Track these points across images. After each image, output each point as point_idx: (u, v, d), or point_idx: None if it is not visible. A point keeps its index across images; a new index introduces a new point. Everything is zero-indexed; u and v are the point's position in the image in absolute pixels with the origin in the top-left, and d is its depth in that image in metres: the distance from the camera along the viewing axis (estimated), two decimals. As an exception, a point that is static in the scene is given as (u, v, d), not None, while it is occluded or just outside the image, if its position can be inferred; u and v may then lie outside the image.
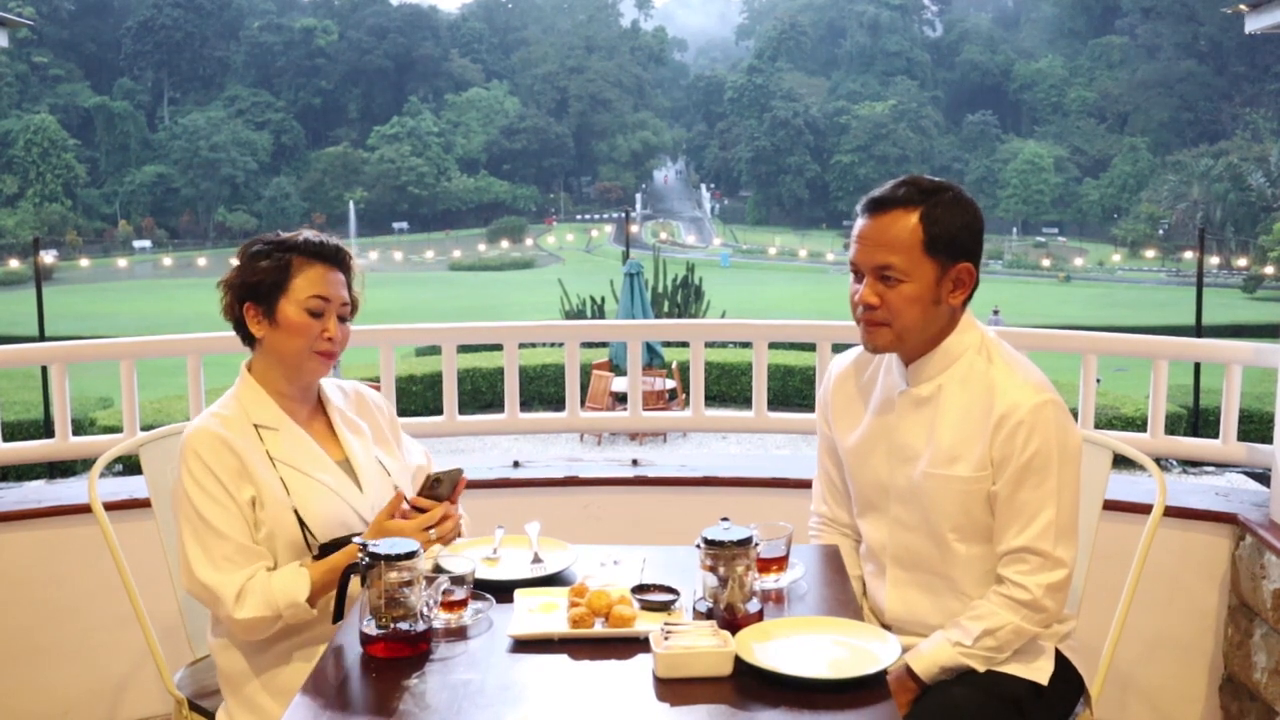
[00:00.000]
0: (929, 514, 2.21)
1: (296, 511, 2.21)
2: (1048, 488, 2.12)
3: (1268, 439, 3.41)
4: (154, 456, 2.71)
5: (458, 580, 1.97)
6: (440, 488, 2.22)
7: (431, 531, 2.18)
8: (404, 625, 1.87)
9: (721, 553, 1.93)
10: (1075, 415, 3.60)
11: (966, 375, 2.19)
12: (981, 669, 2.15)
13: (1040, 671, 2.21)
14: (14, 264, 44.95)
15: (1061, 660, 2.27)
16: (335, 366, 2.39)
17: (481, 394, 15.87)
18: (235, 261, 2.34)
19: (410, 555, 1.88)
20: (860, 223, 2.19)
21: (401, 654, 1.86)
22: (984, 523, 2.19)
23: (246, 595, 2.13)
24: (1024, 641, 2.18)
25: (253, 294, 2.29)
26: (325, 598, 2.14)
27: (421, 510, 2.21)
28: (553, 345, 15.53)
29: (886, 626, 2.34)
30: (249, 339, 2.34)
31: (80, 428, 10.92)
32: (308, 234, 2.35)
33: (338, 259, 2.33)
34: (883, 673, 1.77)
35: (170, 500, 2.71)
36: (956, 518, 2.19)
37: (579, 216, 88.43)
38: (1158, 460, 2.85)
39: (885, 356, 2.32)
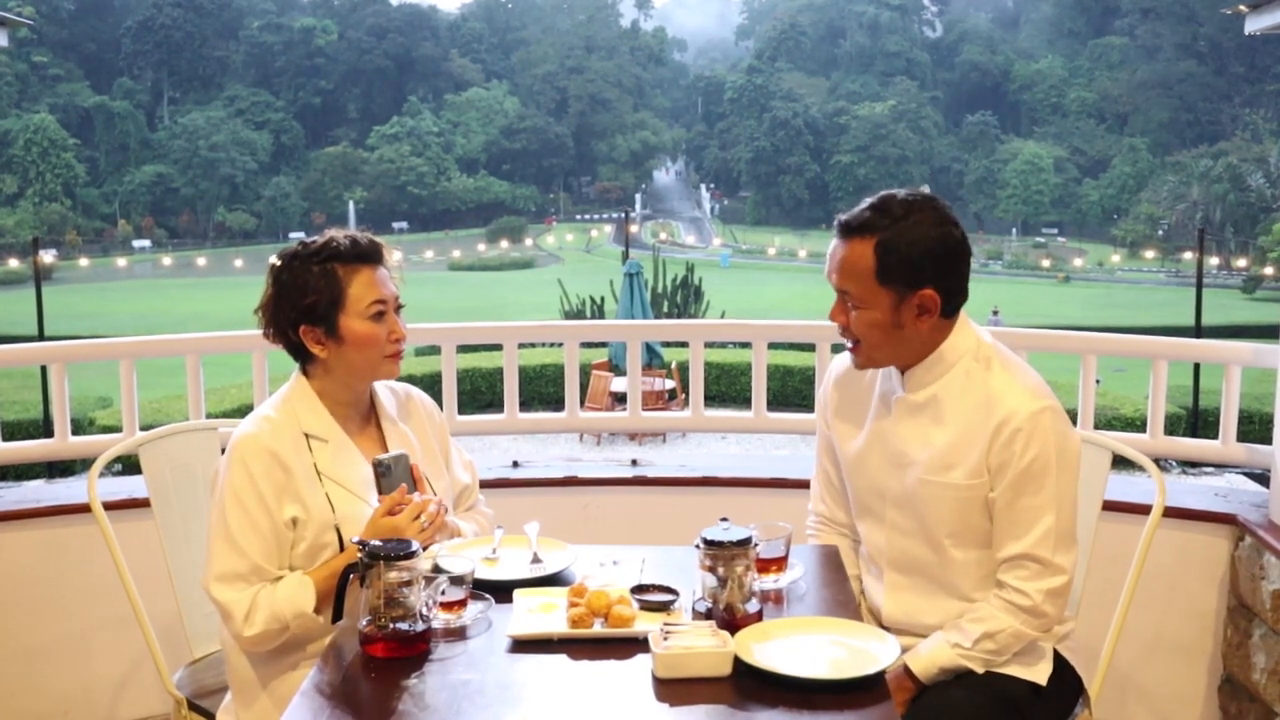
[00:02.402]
0: (925, 520, 2.21)
1: (338, 529, 2.21)
2: (1047, 494, 2.11)
3: (1267, 440, 3.42)
4: (153, 456, 2.71)
5: (457, 580, 1.97)
6: (393, 476, 2.20)
7: (422, 518, 2.17)
8: (403, 625, 1.87)
9: (721, 553, 1.93)
10: (1074, 416, 3.61)
11: (964, 382, 2.18)
12: (980, 670, 2.15)
13: (1039, 672, 2.21)
14: (13, 263, 44.91)
15: (1060, 661, 2.27)
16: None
17: (481, 394, 15.86)
18: (268, 284, 2.27)
19: (409, 555, 1.88)
20: (831, 242, 2.21)
21: (400, 654, 1.85)
22: (981, 528, 2.18)
23: (255, 611, 2.12)
24: (1023, 645, 2.18)
25: (308, 316, 2.22)
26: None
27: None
28: (552, 345, 15.53)
29: (884, 629, 2.34)
30: (304, 356, 2.28)
31: (79, 427, 10.92)
32: (338, 236, 2.27)
33: (379, 255, 2.29)
34: (881, 673, 1.78)
35: (169, 500, 2.71)
36: (953, 524, 2.19)
37: (578, 216, 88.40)
38: (1157, 461, 2.85)
39: None
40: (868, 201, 2.17)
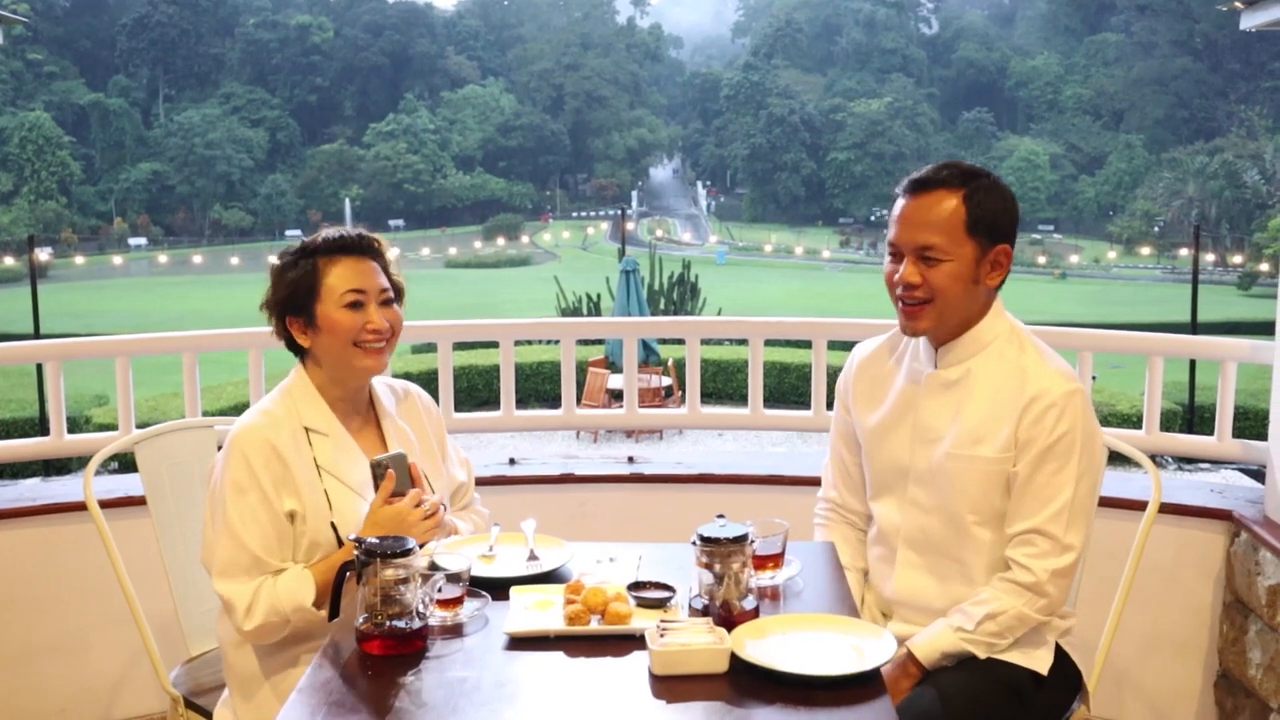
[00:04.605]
0: (948, 496, 2.23)
1: (334, 525, 2.21)
2: (1068, 473, 2.14)
3: (1263, 436, 3.42)
4: (149, 454, 2.71)
5: (453, 578, 1.97)
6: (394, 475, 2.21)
7: (425, 506, 2.19)
8: (400, 623, 1.87)
9: (717, 550, 1.93)
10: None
11: (997, 360, 2.22)
12: (982, 655, 2.17)
13: (1040, 661, 2.22)
14: (9, 261, 44.67)
15: (1061, 655, 2.29)
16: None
17: (478, 391, 15.86)
18: (268, 281, 2.31)
19: (406, 553, 1.88)
20: (901, 203, 2.22)
21: (397, 651, 1.86)
22: (1002, 507, 2.21)
23: (255, 605, 2.12)
24: (1026, 629, 2.19)
25: (290, 307, 2.27)
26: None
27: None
28: (549, 342, 15.52)
29: (887, 615, 2.35)
30: (298, 350, 2.32)
31: (75, 425, 10.91)
32: (328, 232, 2.31)
33: (364, 247, 2.30)
34: (878, 670, 1.78)
35: (165, 498, 2.71)
36: (976, 500, 2.21)
37: (575, 214, 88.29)
38: (1153, 457, 2.85)
39: (912, 343, 2.34)
40: (934, 165, 2.22)
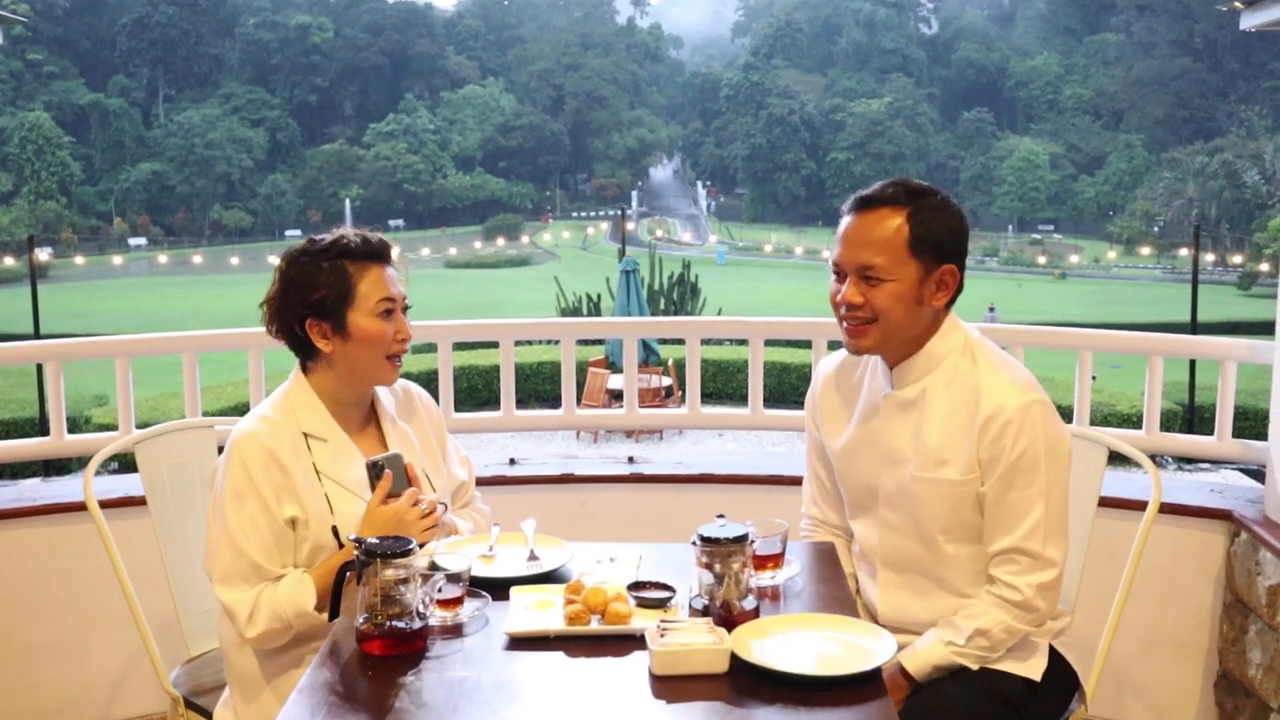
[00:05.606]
0: (918, 517, 2.21)
1: (335, 530, 2.21)
2: (1036, 488, 2.12)
3: (1263, 435, 3.42)
4: (149, 454, 2.71)
5: (453, 578, 1.97)
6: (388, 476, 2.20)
7: (422, 505, 2.19)
8: (400, 623, 1.87)
9: (717, 550, 1.93)
10: (1070, 412, 3.62)
11: (951, 378, 2.19)
12: (974, 667, 2.16)
13: (1034, 668, 2.21)
14: (9, 261, 44.71)
15: (1056, 657, 2.28)
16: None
17: (478, 391, 15.86)
18: (276, 278, 2.26)
19: (406, 553, 1.88)
20: (846, 221, 2.19)
21: (397, 651, 1.85)
22: (973, 524, 2.19)
23: (257, 612, 2.13)
24: (1017, 640, 2.18)
25: (316, 310, 2.22)
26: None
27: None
28: (549, 343, 15.51)
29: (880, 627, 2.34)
30: (307, 352, 2.28)
31: (76, 425, 10.90)
32: (348, 234, 2.28)
33: (387, 254, 2.30)
34: (878, 670, 1.78)
35: (166, 498, 2.71)
36: (945, 520, 2.19)
37: (575, 214, 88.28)
38: (1153, 457, 2.85)
39: (870, 360, 2.32)
40: (882, 182, 2.19)
